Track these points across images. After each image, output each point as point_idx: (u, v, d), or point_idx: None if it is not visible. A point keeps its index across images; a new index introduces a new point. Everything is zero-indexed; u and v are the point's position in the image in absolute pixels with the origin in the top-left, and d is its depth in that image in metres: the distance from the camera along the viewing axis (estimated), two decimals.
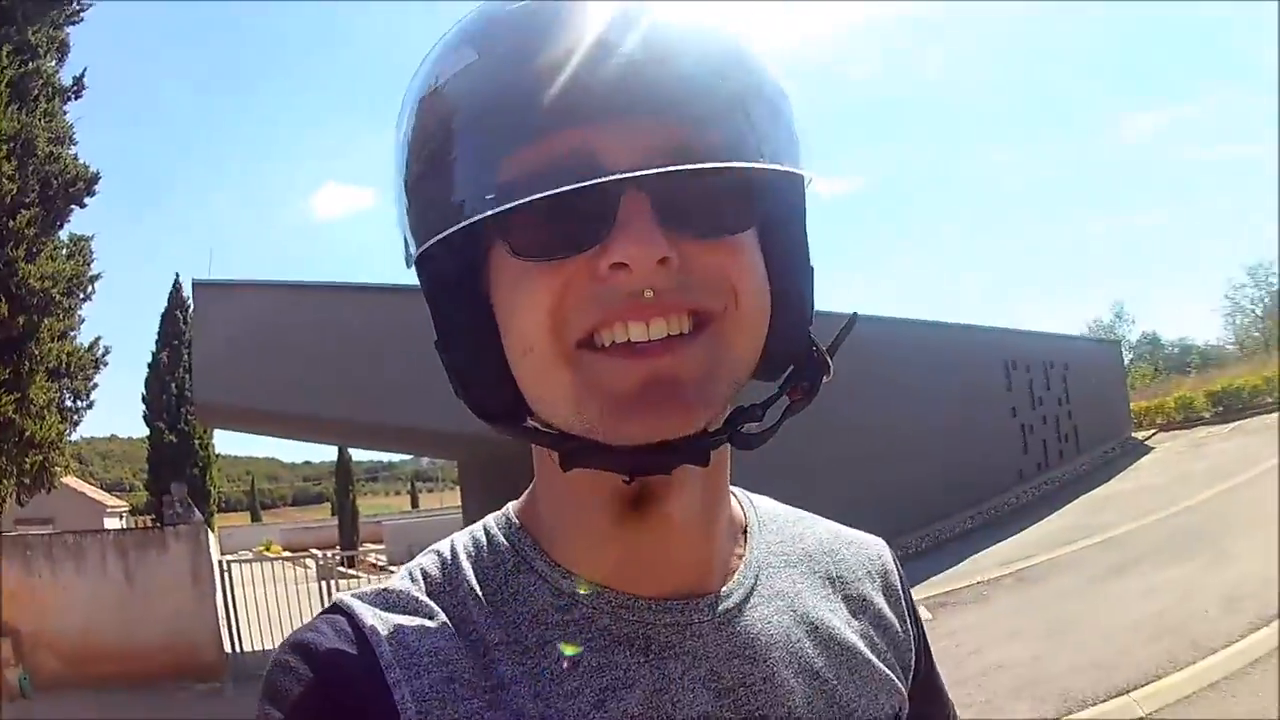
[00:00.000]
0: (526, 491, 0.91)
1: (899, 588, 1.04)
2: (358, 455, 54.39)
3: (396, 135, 0.80)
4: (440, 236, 0.72)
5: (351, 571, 23.26)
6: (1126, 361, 39.15)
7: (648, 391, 0.71)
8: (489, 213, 0.69)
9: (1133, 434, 26.77)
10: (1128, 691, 6.97)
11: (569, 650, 0.80)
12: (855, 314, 0.88)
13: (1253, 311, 59.63)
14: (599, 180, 0.67)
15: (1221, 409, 28.03)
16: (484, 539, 0.89)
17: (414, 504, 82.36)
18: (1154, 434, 27.60)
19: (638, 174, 0.67)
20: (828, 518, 1.09)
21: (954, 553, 14.98)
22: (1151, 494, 16.74)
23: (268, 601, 12.96)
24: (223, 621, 13.19)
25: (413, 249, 0.77)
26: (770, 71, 0.77)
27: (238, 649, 13.21)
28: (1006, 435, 20.50)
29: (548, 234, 0.72)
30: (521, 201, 0.67)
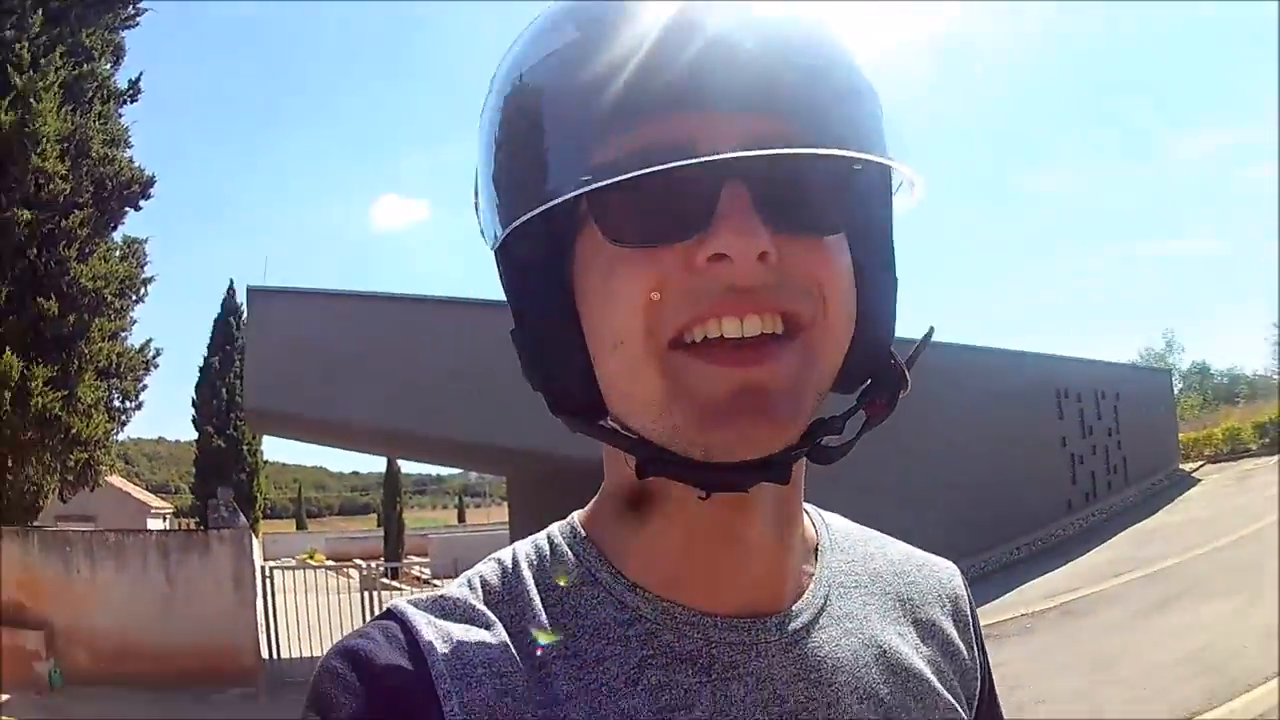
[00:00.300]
0: (593, 500, 0.88)
1: (968, 614, 1.01)
2: (406, 468, 53.62)
3: (481, 123, 0.79)
4: (534, 213, 0.69)
5: (395, 583, 22.98)
6: (1176, 391, 38.51)
7: (737, 401, 0.68)
8: (584, 190, 0.67)
9: (1180, 466, 26.38)
10: None
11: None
12: (933, 328, 0.86)
13: None
14: (703, 160, 0.65)
15: (1267, 440, 27.54)
16: (547, 548, 0.85)
17: (461, 518, 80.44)
18: (1201, 466, 27.19)
19: (747, 154, 0.65)
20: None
21: (1000, 584, 14.78)
22: (1198, 527, 16.57)
23: (309, 609, 12.98)
24: (262, 627, 13.23)
25: (499, 232, 0.75)
26: (870, 75, 0.75)
27: (276, 655, 13.24)
28: (1056, 465, 20.21)
29: (644, 221, 0.69)
30: (623, 178, 0.65)
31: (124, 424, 18.60)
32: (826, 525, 0.95)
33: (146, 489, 55.25)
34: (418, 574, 28.28)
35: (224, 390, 37.03)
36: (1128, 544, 16.79)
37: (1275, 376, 57.00)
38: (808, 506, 0.91)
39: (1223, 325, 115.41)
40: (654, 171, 0.65)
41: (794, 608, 0.83)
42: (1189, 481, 24.49)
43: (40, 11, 15.79)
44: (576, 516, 0.88)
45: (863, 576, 0.92)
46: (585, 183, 0.66)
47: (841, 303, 0.74)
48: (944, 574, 1.02)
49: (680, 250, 0.68)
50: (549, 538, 0.87)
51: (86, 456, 16.55)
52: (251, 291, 15.24)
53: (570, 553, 0.83)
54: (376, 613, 0.84)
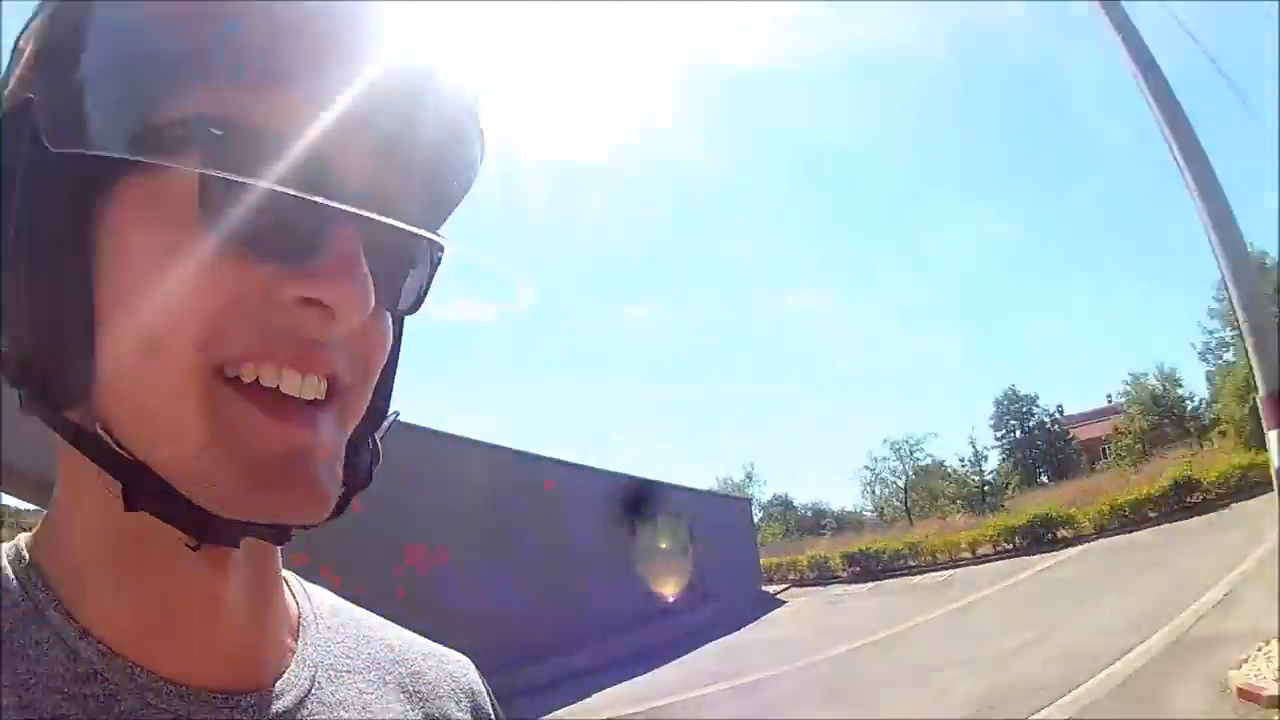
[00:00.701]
0: (44, 518, 0.70)
1: (490, 714, 0.88)
2: None
3: None
4: (138, 160, 0.55)
5: None
6: (757, 519, 40.95)
7: (286, 466, 0.60)
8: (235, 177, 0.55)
9: (763, 587, 27.97)
10: None
11: None
12: (398, 412, 0.77)
13: (894, 483, 65.24)
14: (424, 233, 0.65)
15: (858, 569, 29.54)
16: None
17: None
18: (786, 589, 28.87)
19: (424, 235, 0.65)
20: (450, 644, 0.92)
21: (582, 688, 14.36)
22: (788, 644, 16.89)
23: None
24: None
25: (37, 133, 0.56)
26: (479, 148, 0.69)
27: None
28: (634, 578, 20.39)
29: (249, 219, 0.56)
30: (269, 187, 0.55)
31: None
32: (309, 597, 0.82)
33: None
34: None
35: None
36: (711, 658, 16.76)
37: (868, 513, 63.08)
38: (287, 574, 0.80)
39: (810, 465, 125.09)
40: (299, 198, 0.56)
41: (276, 687, 0.70)
42: (773, 602, 25.72)
43: None
44: (24, 538, 0.71)
45: (357, 660, 0.80)
46: (221, 141, 0.55)
47: (376, 375, 0.68)
48: (456, 667, 0.89)
49: (264, 271, 0.58)
50: None
51: None
52: None
53: (16, 580, 0.65)
54: None
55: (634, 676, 14.97)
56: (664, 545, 21.83)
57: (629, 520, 20.83)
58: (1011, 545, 27.92)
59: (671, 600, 21.42)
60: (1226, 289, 8.24)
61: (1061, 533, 27.65)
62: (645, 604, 20.44)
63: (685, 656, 17.03)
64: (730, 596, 23.91)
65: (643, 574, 20.79)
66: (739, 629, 20.33)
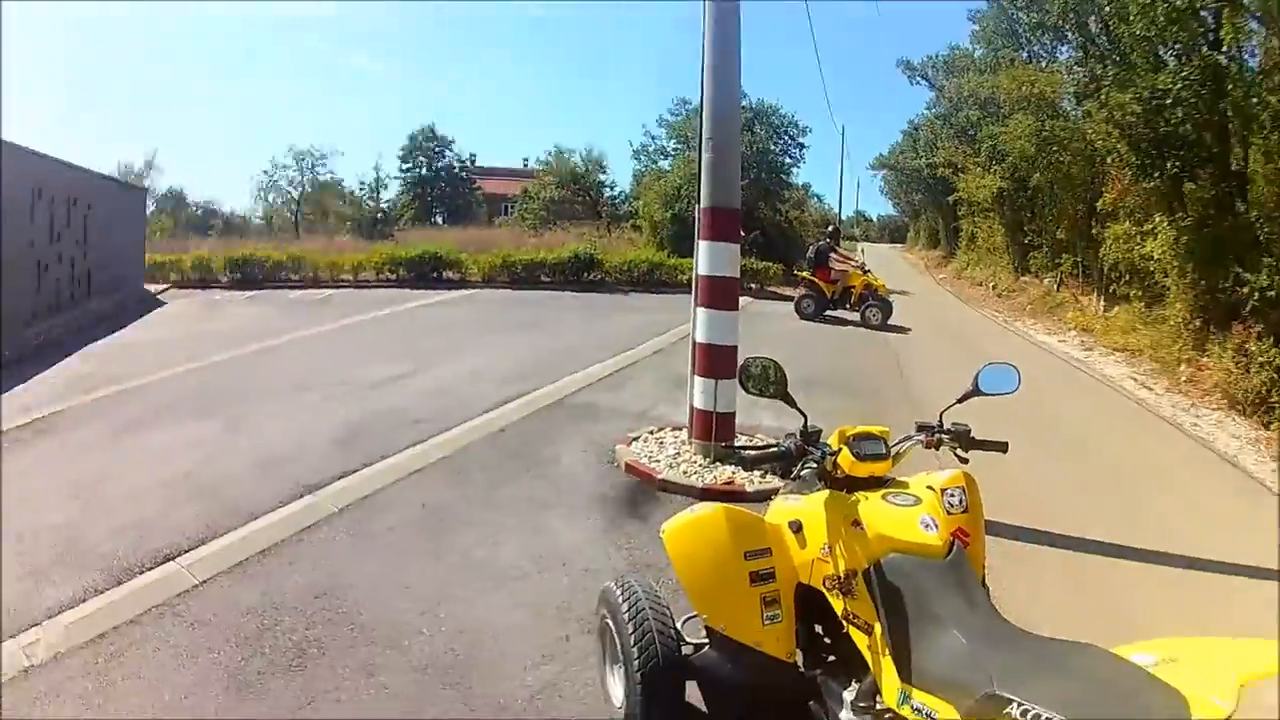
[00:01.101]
0: None
1: None
2: None
3: None
4: None
5: None
6: (149, 211, 39.21)
7: None
8: None
9: (145, 285, 27.00)
10: (173, 558, 6.67)
11: None
12: None
13: (289, 193, 64.62)
14: None
15: (239, 276, 29.26)
16: None
17: None
18: (167, 289, 28.01)
19: None
20: None
21: None
22: (169, 348, 16.85)
23: None
24: None
25: None
26: None
27: None
28: (23, 270, 18.98)
29: None
30: None
31: None
32: None
33: None
34: None
35: None
36: (95, 360, 16.33)
37: (258, 219, 61.58)
38: None
39: (210, 162, 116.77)
40: None
41: None
42: (155, 303, 25.07)
43: None
44: None
45: None
46: None
47: None
48: None
49: None
50: None
51: None
52: None
53: None
54: None
55: (23, 383, 14.23)
56: (58, 231, 20.43)
57: (29, 202, 19.14)
58: (395, 276, 29.13)
59: (58, 295, 20.45)
60: (703, 104, 8.71)
61: (448, 274, 29.28)
62: (34, 298, 19.22)
63: (71, 357, 16.67)
64: (116, 293, 23.42)
65: (34, 266, 19.43)
66: (121, 329, 20.19)
